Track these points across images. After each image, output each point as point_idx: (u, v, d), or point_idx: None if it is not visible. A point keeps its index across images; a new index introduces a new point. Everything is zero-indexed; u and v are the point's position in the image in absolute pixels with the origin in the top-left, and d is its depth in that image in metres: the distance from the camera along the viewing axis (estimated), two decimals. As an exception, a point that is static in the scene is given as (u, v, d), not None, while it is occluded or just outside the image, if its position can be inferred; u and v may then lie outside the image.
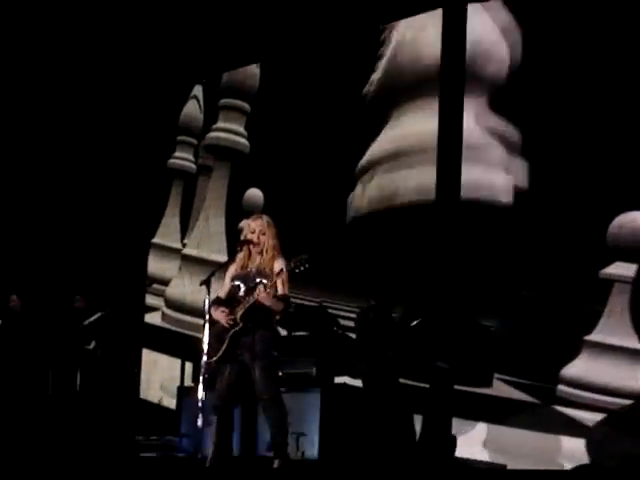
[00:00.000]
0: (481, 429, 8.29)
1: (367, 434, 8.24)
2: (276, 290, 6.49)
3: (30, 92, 11.66)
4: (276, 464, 6.47)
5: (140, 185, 11.85)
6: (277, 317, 6.70)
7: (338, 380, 8.61)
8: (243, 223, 6.90)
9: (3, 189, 11.74)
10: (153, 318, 11.66)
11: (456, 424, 8.27)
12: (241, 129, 11.28)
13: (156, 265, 11.97)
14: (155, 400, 10.98)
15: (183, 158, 12.06)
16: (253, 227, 6.68)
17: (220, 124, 11.57)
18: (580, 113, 8.10)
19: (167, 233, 12.05)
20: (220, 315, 6.54)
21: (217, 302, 6.63)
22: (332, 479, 6.55)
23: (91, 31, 10.89)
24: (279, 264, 6.51)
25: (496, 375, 8.31)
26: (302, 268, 6.34)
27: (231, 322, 6.50)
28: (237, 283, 6.63)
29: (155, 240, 12.09)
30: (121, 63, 11.35)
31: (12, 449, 8.71)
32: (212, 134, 11.66)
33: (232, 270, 6.74)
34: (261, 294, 6.39)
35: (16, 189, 11.81)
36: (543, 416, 7.98)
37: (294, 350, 8.54)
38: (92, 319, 9.58)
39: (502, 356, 8.35)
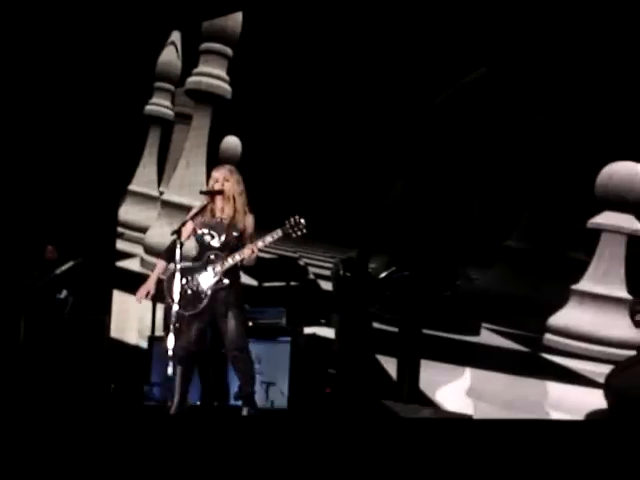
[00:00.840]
0: (467, 376, 8.37)
1: (336, 384, 8.36)
2: (246, 238, 6.61)
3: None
4: (245, 412, 6.56)
5: (115, 131, 11.75)
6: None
7: (308, 330, 8.68)
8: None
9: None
10: (131, 264, 11.61)
11: (442, 371, 8.37)
12: (223, 74, 11.13)
13: (133, 212, 11.89)
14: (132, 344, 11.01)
15: (160, 104, 11.93)
16: (216, 177, 6.75)
17: (201, 68, 11.40)
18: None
19: (144, 180, 11.93)
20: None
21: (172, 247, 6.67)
22: (301, 428, 6.63)
23: None
24: (251, 220, 6.65)
25: (484, 325, 8.38)
26: (299, 233, 6.44)
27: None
28: (208, 231, 6.68)
29: (131, 187, 11.98)
30: (98, 8, 11.15)
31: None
32: (192, 78, 11.48)
33: (200, 218, 6.76)
34: (247, 255, 6.51)
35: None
36: (530, 363, 8.05)
37: (264, 300, 8.61)
38: (63, 268, 9.56)
39: (489, 306, 8.41)
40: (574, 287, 7.99)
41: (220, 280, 6.56)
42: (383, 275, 9.07)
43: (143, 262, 11.42)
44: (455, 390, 8.33)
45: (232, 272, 6.63)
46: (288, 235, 6.50)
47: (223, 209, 6.71)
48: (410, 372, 8.46)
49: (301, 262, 9.76)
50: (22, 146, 11.62)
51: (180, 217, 6.93)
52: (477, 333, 8.37)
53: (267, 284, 9.17)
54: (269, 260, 9.11)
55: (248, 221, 6.67)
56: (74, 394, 8.94)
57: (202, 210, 6.75)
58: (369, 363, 8.74)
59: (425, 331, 8.50)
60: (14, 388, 9.09)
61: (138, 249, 11.62)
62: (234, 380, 7.11)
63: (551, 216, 8.23)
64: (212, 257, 6.62)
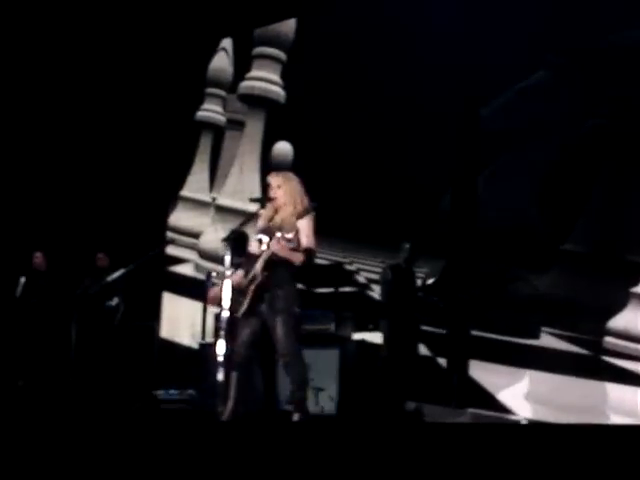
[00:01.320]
0: (526, 379, 8.38)
1: (385, 390, 8.37)
2: (299, 243, 6.53)
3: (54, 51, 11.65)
4: (296, 417, 6.56)
5: (165, 138, 11.79)
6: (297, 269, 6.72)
7: (357, 336, 8.70)
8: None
9: (27, 145, 11.76)
10: (185, 269, 11.64)
11: (501, 374, 8.40)
12: (276, 78, 11.13)
13: (185, 218, 11.94)
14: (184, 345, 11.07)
15: (212, 110, 11.95)
16: (269, 183, 6.70)
17: (254, 73, 11.42)
18: None
19: (195, 186, 11.97)
20: (236, 277, 6.61)
21: (246, 257, 6.70)
22: (350, 434, 6.64)
23: None
24: (304, 224, 6.52)
25: (543, 329, 8.36)
26: (308, 214, 6.43)
27: (251, 277, 6.57)
28: (260, 237, 6.68)
29: (183, 193, 12.02)
30: (150, 14, 11.27)
31: (35, 405, 8.85)
32: (246, 83, 11.49)
33: (258, 225, 6.79)
34: (274, 245, 6.40)
35: (40, 145, 11.82)
36: (590, 366, 8.06)
37: (313, 306, 8.62)
38: (115, 276, 9.63)
39: (548, 309, 8.39)
40: (633, 290, 7.99)
41: (255, 277, 6.54)
42: (431, 281, 9.08)
43: (197, 267, 11.44)
44: (514, 392, 8.31)
45: (280, 276, 6.59)
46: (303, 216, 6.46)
47: (274, 215, 6.71)
48: (459, 374, 8.47)
49: (352, 267, 9.76)
50: (75, 156, 11.74)
51: (234, 222, 6.95)
52: (537, 336, 8.33)
53: (317, 290, 9.19)
54: (319, 266, 9.13)
55: (302, 224, 6.55)
56: (124, 399, 9.01)
57: (252, 217, 6.77)
58: (416, 367, 8.76)
59: (485, 334, 8.49)
60: (66, 394, 9.18)
61: (190, 254, 11.65)
62: (285, 385, 7.12)
63: (609, 219, 8.18)
64: (257, 258, 6.62)
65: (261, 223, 6.75)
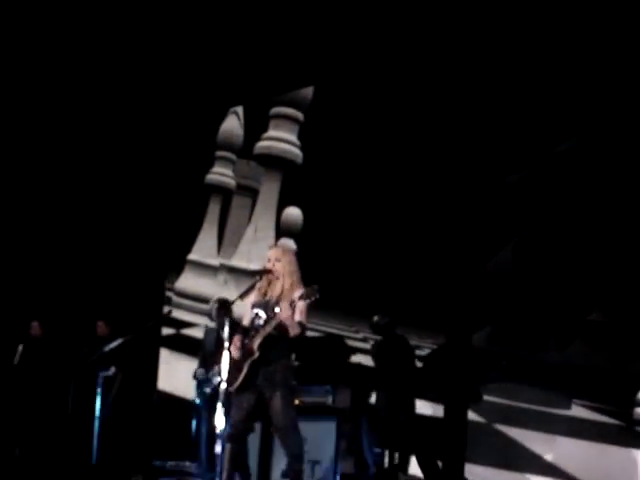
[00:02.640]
0: (559, 447, 8.37)
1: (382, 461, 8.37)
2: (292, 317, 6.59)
3: (67, 108, 11.74)
4: (292, 491, 6.58)
5: (172, 204, 11.80)
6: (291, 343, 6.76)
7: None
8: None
9: (25, 214, 11.83)
10: (194, 332, 11.49)
11: (534, 441, 8.38)
12: (294, 138, 11.06)
13: (192, 281, 11.86)
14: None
15: (222, 174, 11.89)
16: (269, 256, 6.81)
17: (271, 133, 11.30)
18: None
19: (204, 250, 11.88)
20: (234, 348, 6.65)
21: (240, 331, 6.73)
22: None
23: (130, 44, 10.88)
24: (298, 293, 6.59)
25: (574, 400, 8.37)
26: (313, 298, 6.46)
27: (247, 353, 6.61)
28: (256, 311, 6.74)
29: (191, 257, 11.93)
30: (160, 77, 11.30)
31: (31, 475, 8.83)
32: (263, 143, 11.38)
33: (252, 298, 6.85)
34: (283, 312, 6.43)
35: (39, 213, 11.88)
36: (622, 436, 8.03)
37: (310, 379, 8.64)
38: (112, 345, 9.64)
39: (576, 380, 8.39)
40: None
41: (251, 353, 6.59)
42: (427, 353, 9.11)
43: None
44: (547, 460, 8.33)
45: (276, 348, 6.65)
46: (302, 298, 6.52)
47: (272, 288, 6.79)
48: (454, 457, 8.46)
49: (358, 335, 9.75)
50: (76, 222, 11.78)
51: (247, 284, 6.95)
52: (568, 407, 8.36)
53: (311, 362, 9.21)
54: (312, 339, 9.16)
55: (295, 294, 6.58)
56: (123, 470, 9.00)
57: (251, 289, 6.84)
58: (415, 442, 8.75)
59: (515, 402, 8.53)
60: (63, 463, 9.16)
61: (197, 318, 11.59)
62: (280, 458, 7.13)
63: (632, 289, 8.22)
64: (253, 333, 6.67)
65: (255, 297, 6.82)
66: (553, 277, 8.59)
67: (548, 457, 8.30)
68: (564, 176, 8.56)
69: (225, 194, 11.85)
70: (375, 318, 9.14)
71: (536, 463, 8.31)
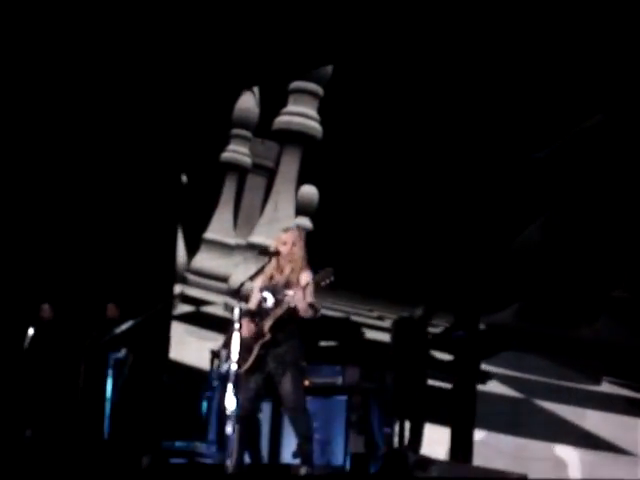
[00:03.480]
0: (590, 420, 8.40)
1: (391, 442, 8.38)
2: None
3: (81, 91, 11.71)
4: (303, 471, 6.60)
5: (183, 187, 11.82)
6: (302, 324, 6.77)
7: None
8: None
9: (39, 198, 11.85)
10: (215, 309, 11.48)
11: (568, 414, 8.41)
12: (314, 113, 10.91)
13: (209, 260, 11.82)
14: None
15: (237, 152, 11.80)
16: (284, 239, 6.77)
17: (291, 107, 11.15)
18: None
19: (220, 228, 11.83)
20: (246, 329, 6.65)
21: (247, 314, 6.74)
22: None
23: (146, 23, 10.81)
24: (306, 276, 6.61)
25: (605, 377, 8.38)
26: (327, 281, 6.45)
27: (258, 335, 6.62)
28: (265, 294, 6.76)
29: (207, 235, 11.88)
30: (175, 57, 11.24)
31: (43, 454, 8.86)
32: (282, 118, 11.26)
33: (260, 281, 6.86)
34: (296, 295, 6.44)
35: (51, 197, 11.89)
36: None
37: (320, 359, 8.65)
38: (123, 327, 9.65)
39: (607, 356, 8.38)
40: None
41: (262, 335, 6.61)
42: (438, 332, 9.11)
43: (227, 307, 11.29)
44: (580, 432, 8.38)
45: (286, 330, 6.66)
46: (317, 286, 6.51)
47: (280, 271, 6.79)
48: (463, 432, 8.47)
49: (373, 313, 9.73)
50: (90, 205, 11.79)
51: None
52: (599, 382, 8.37)
53: (322, 343, 9.22)
54: (323, 319, 9.16)
55: (303, 278, 6.64)
56: (133, 451, 9.02)
57: (260, 271, 6.85)
58: (423, 421, 8.76)
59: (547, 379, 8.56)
60: (74, 445, 9.19)
61: (213, 296, 11.55)
62: (290, 438, 7.16)
63: None
64: (263, 315, 6.69)
65: (263, 280, 6.83)
66: (580, 253, 8.57)
67: (581, 429, 8.33)
68: (590, 153, 8.52)
69: (241, 172, 11.77)
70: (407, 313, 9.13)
71: (571, 434, 8.35)
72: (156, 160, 11.81)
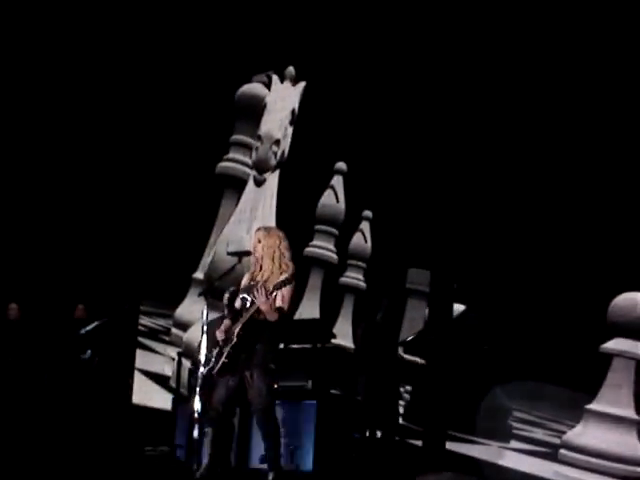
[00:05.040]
0: None
1: (364, 445, 8.30)
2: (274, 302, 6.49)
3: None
4: (270, 477, 6.50)
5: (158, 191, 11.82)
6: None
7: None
8: None
9: (5, 198, 11.75)
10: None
11: None
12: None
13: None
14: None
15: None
16: (259, 237, 6.71)
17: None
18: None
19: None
20: (218, 332, 6.59)
21: (230, 315, 6.68)
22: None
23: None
24: (282, 278, 6.51)
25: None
26: (292, 285, 6.40)
27: (228, 337, 6.54)
28: (242, 295, 6.66)
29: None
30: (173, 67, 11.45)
31: (8, 457, 8.72)
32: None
33: (243, 282, 6.77)
34: (259, 298, 6.36)
35: (19, 197, 11.81)
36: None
37: (290, 363, 8.56)
38: (88, 328, 9.56)
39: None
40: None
41: (229, 338, 6.52)
42: (409, 339, 9.06)
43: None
44: None
45: (259, 333, 6.55)
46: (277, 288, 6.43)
47: (257, 271, 6.69)
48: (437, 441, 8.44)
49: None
50: (58, 206, 11.74)
51: None
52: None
53: (293, 346, 9.13)
54: (294, 322, 9.09)
55: (274, 283, 6.49)
56: (97, 453, 8.91)
57: (230, 271, 6.78)
58: (396, 426, 8.71)
59: None
60: (38, 445, 9.07)
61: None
62: (259, 444, 7.05)
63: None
64: (239, 317, 6.61)
65: (245, 280, 6.74)
66: None
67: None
68: None
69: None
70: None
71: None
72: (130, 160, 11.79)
